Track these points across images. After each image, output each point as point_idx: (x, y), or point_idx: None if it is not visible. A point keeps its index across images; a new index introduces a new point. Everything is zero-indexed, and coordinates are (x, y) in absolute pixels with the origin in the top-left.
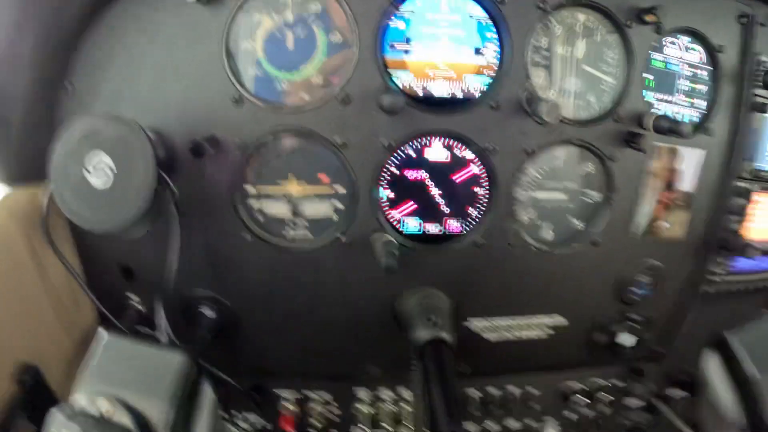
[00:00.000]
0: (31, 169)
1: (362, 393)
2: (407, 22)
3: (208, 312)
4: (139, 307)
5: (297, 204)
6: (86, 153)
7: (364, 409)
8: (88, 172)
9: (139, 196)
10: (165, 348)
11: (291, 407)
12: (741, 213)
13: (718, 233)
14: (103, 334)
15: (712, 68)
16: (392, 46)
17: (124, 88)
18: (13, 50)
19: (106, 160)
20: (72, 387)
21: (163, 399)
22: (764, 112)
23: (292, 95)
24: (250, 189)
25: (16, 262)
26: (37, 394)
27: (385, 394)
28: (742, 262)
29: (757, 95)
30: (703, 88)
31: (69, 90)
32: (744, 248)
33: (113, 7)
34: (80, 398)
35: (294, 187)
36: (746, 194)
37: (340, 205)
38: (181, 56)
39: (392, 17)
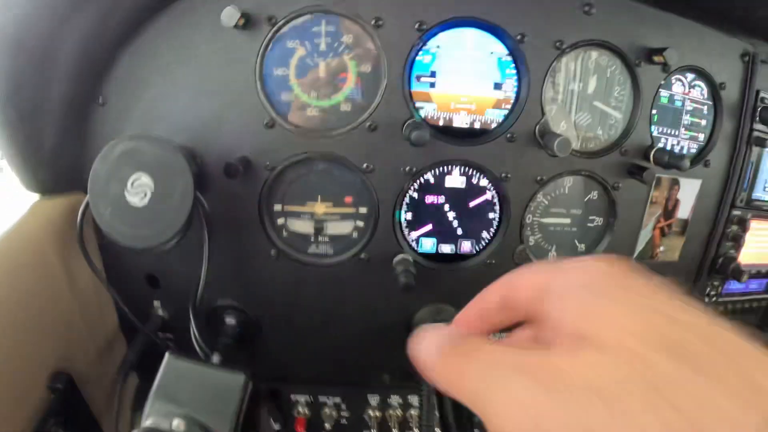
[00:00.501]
0: (61, 180)
1: (373, 399)
2: (433, 56)
3: (232, 321)
4: (162, 314)
5: (320, 222)
6: (126, 171)
7: (373, 413)
8: (127, 190)
9: (177, 216)
10: (224, 368)
11: (303, 410)
12: (736, 239)
13: (713, 258)
14: (167, 356)
15: (712, 103)
16: (418, 79)
17: (158, 107)
18: (50, 60)
19: (146, 179)
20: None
21: (229, 417)
22: (762, 146)
23: (322, 121)
24: (278, 207)
25: (48, 269)
26: (70, 401)
27: (394, 399)
28: (733, 284)
29: (755, 130)
30: (703, 122)
31: (102, 105)
32: (738, 273)
33: (152, 26)
34: (155, 421)
35: (320, 207)
36: (742, 222)
37: (361, 224)
38: (216, 79)
39: (420, 51)
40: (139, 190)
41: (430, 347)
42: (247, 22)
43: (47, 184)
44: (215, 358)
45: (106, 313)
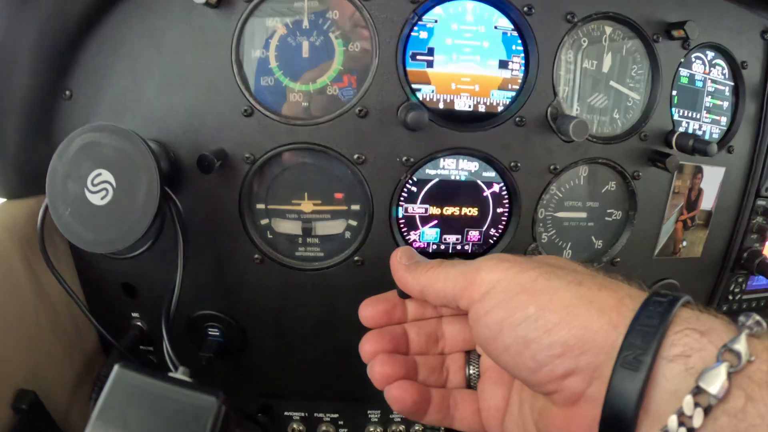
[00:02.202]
0: (27, 181)
1: (374, 414)
2: (430, 31)
3: (215, 332)
4: (142, 325)
5: (309, 221)
6: (85, 168)
7: (374, 430)
8: (87, 188)
9: (142, 217)
10: (192, 387)
11: (297, 427)
12: (761, 232)
13: (738, 252)
14: (116, 369)
15: (734, 84)
16: (414, 57)
17: (127, 96)
18: (8, 54)
19: (106, 175)
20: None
21: None
22: None
23: (307, 107)
24: (260, 206)
25: (12, 280)
26: (35, 422)
27: (397, 414)
28: (758, 280)
29: None
30: (725, 104)
31: (68, 98)
32: (765, 268)
33: (116, 11)
34: None
35: (307, 205)
36: (767, 213)
37: (353, 223)
38: (188, 64)
39: (415, 26)
40: (100, 188)
41: (404, 256)
42: None
43: (12, 187)
44: (182, 372)
45: (83, 325)
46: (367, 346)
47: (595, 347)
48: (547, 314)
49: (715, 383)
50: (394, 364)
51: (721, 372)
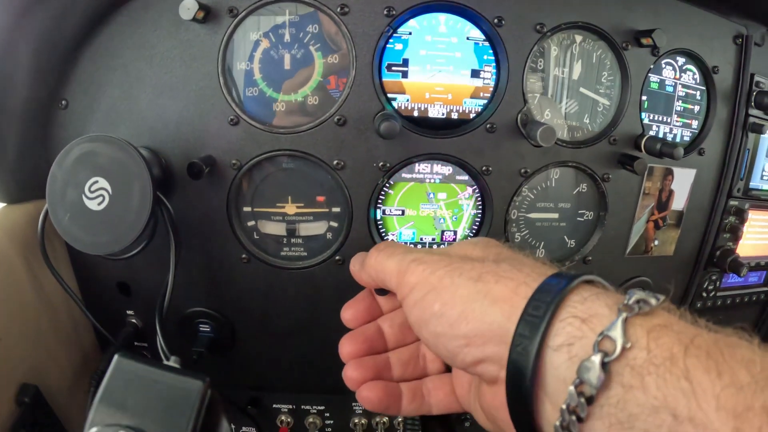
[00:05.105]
0: (27, 187)
1: (358, 406)
2: (405, 43)
3: (206, 328)
4: (137, 322)
5: (292, 223)
6: (83, 175)
7: (359, 420)
8: (85, 194)
9: (136, 220)
10: (181, 373)
11: (286, 418)
12: (734, 231)
13: (710, 251)
14: (116, 358)
15: (705, 89)
16: (389, 68)
17: (120, 106)
18: (6, 66)
19: (104, 182)
20: (75, 407)
21: (182, 428)
22: (759, 132)
23: (289, 116)
24: (247, 209)
25: (13, 281)
26: (38, 415)
27: None
28: (732, 278)
29: (751, 115)
30: (696, 108)
31: (64, 108)
32: (737, 266)
33: (110, 24)
34: (99, 431)
35: (290, 208)
36: (739, 212)
37: (334, 224)
38: (178, 76)
39: (390, 39)
40: (97, 194)
41: (356, 262)
42: (207, 14)
43: (11, 192)
44: (173, 361)
45: (80, 323)
46: (343, 350)
47: (495, 337)
48: (448, 310)
49: (592, 374)
50: (362, 368)
51: (596, 362)
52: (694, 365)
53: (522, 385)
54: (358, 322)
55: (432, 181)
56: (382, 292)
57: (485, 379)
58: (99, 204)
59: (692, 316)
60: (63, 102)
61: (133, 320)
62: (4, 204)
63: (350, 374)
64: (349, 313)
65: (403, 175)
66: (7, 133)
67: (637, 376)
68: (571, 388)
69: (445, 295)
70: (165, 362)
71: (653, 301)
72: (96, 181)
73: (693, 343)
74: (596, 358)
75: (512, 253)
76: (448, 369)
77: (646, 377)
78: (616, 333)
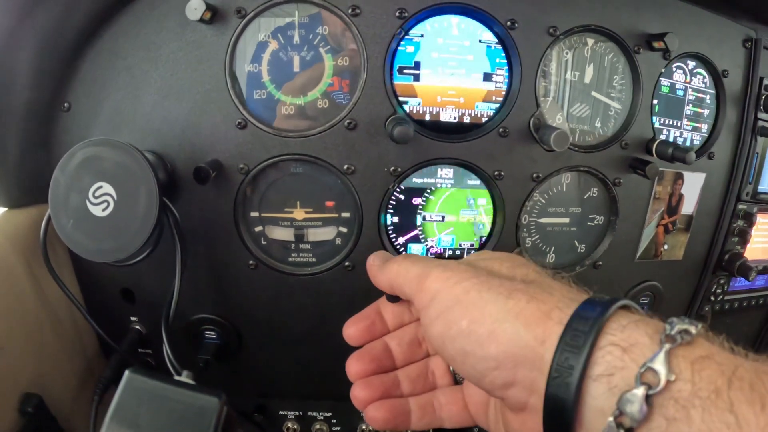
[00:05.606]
0: (29, 191)
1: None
2: (416, 45)
3: (212, 335)
4: (141, 328)
5: (301, 228)
6: (87, 180)
7: (366, 427)
8: (89, 200)
9: (142, 227)
10: (196, 389)
11: (292, 425)
12: (742, 235)
13: (719, 254)
14: (127, 374)
15: (715, 92)
16: (401, 71)
17: (124, 109)
18: (8, 68)
19: (108, 188)
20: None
21: None
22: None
23: (298, 120)
24: (254, 214)
25: (15, 288)
26: (41, 424)
27: None
28: (740, 281)
29: (760, 119)
30: (706, 112)
31: (66, 110)
32: (746, 270)
33: (114, 25)
34: None
35: (299, 213)
36: (747, 216)
37: (344, 230)
38: (184, 78)
39: (402, 41)
40: (101, 200)
41: (377, 258)
42: (214, 15)
43: (13, 196)
44: (186, 376)
45: (83, 329)
46: (351, 369)
47: (526, 362)
48: (477, 328)
49: (634, 406)
50: (370, 388)
51: (639, 395)
52: (738, 398)
53: (562, 418)
54: (360, 341)
55: (443, 186)
56: (394, 299)
57: (510, 404)
58: (103, 210)
59: (729, 343)
60: (66, 104)
61: (137, 326)
62: (6, 209)
63: (358, 394)
64: (351, 330)
65: (414, 180)
66: (9, 136)
67: (682, 409)
68: (611, 419)
69: (474, 311)
70: (177, 377)
71: (693, 330)
72: (100, 186)
73: (735, 374)
74: (639, 391)
75: (540, 274)
76: (457, 381)
77: (690, 410)
78: (660, 365)
